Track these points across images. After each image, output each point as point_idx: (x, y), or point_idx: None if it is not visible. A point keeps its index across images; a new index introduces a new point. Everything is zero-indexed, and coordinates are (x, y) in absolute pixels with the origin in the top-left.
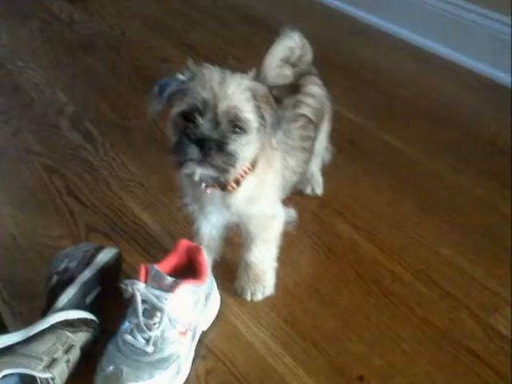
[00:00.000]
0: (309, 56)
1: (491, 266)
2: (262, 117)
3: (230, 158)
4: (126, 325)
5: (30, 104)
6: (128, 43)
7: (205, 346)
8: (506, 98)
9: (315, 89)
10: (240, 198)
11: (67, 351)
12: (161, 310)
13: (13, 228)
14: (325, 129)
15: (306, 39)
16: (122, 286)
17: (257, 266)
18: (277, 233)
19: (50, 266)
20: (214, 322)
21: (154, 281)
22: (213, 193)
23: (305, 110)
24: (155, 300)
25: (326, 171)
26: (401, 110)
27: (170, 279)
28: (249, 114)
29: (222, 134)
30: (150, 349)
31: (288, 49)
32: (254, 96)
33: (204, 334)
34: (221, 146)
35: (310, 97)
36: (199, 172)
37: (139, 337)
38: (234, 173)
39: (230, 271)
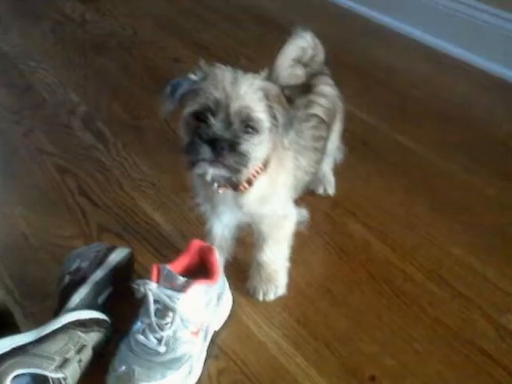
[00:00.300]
0: (321, 56)
1: (503, 265)
2: (274, 117)
3: (242, 158)
4: (138, 325)
5: (42, 104)
6: (140, 43)
7: (217, 346)
8: None
9: (327, 89)
10: (252, 197)
11: (79, 351)
12: (173, 309)
13: (25, 228)
14: (337, 129)
15: (318, 39)
16: (134, 286)
17: (269, 265)
18: (289, 233)
19: (62, 265)
20: (226, 321)
21: (166, 281)
22: (225, 193)
23: (317, 110)
24: (167, 300)
25: (338, 171)
26: (413, 110)
27: (182, 279)
28: (261, 113)
29: (234, 133)
30: (162, 349)
31: (300, 49)
32: (266, 96)
33: (216, 334)
34: (233, 146)
35: (322, 97)
36: (211, 172)
37: (151, 337)
38: (246, 173)
39: (242, 271)
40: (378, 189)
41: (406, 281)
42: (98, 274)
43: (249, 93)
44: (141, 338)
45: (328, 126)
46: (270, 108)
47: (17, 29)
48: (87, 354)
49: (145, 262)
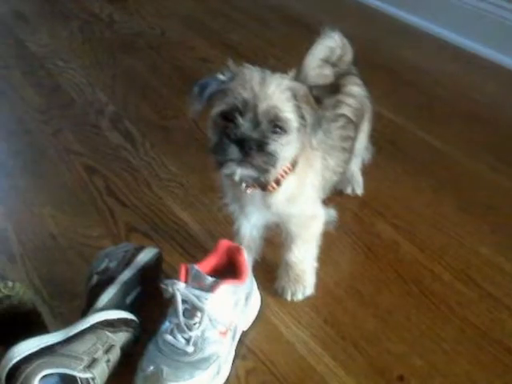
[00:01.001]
0: (349, 56)
1: None
2: (302, 117)
3: (271, 158)
4: (167, 325)
5: (71, 104)
6: (168, 43)
7: (245, 346)
8: None
9: (355, 89)
10: (280, 197)
11: (107, 351)
12: (201, 309)
13: (53, 228)
14: (365, 129)
15: (346, 39)
16: (163, 286)
17: (297, 265)
18: (317, 233)
19: (90, 265)
20: (254, 322)
21: (195, 281)
22: (253, 193)
23: (345, 110)
24: (195, 300)
25: (367, 171)
26: (441, 110)
27: (210, 279)
28: (289, 113)
29: (262, 133)
30: (190, 349)
31: (328, 49)
32: (294, 96)
33: (244, 334)
34: (261, 146)
35: (351, 97)
36: (239, 172)
37: (179, 337)
38: (275, 173)
39: (271, 271)
40: (405, 189)
41: (435, 281)
42: (126, 274)
43: (277, 93)
44: (169, 337)
45: (356, 126)
46: (298, 108)
47: (45, 29)
48: (115, 354)
49: (173, 262)
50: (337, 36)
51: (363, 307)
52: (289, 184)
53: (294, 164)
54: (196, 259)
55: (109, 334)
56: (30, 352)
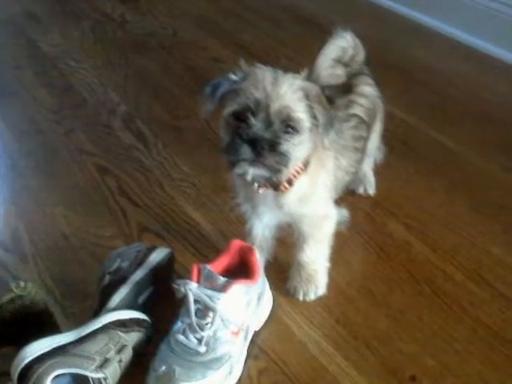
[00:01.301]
0: (361, 56)
1: None
2: (314, 117)
3: (283, 158)
4: (179, 325)
5: (83, 104)
6: (180, 43)
7: (257, 346)
8: None
9: (368, 89)
10: (292, 197)
11: (120, 351)
12: (213, 309)
13: (65, 228)
14: (377, 128)
15: (358, 39)
16: (175, 286)
17: (309, 265)
18: (329, 232)
19: (102, 265)
20: (266, 322)
21: (207, 281)
22: (265, 193)
23: (357, 110)
24: (208, 300)
25: (379, 171)
26: (453, 110)
27: (222, 279)
28: (301, 113)
29: (274, 133)
30: (202, 349)
31: (340, 49)
32: (307, 96)
33: (256, 334)
34: (273, 146)
35: (363, 97)
36: (251, 172)
37: (192, 337)
38: (287, 173)
39: (283, 271)
40: (418, 189)
41: (447, 281)
42: (139, 274)
43: (289, 93)
44: (181, 337)
45: (368, 125)
46: (310, 108)
47: (57, 29)
48: (127, 354)
49: (185, 262)
50: (349, 36)
51: (375, 307)
52: (301, 184)
53: (306, 164)
54: (208, 259)
55: (121, 333)
56: (42, 352)
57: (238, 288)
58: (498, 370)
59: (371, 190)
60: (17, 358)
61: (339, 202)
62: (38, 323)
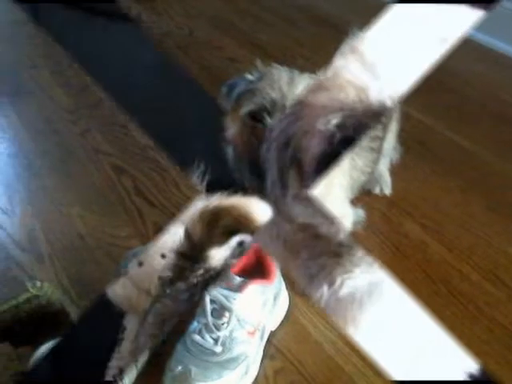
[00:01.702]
0: None
1: None
2: None
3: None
4: (195, 325)
5: (99, 104)
6: (196, 43)
7: (273, 346)
8: None
9: None
10: None
11: None
12: (229, 309)
13: (81, 228)
14: (393, 128)
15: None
16: None
17: None
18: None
19: (118, 265)
20: (282, 322)
21: (223, 281)
22: None
23: None
24: (224, 300)
25: (395, 171)
26: (469, 110)
27: (238, 279)
28: None
29: None
30: (218, 349)
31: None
32: None
33: (272, 334)
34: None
35: None
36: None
37: (208, 337)
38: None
39: None
40: (434, 189)
41: (463, 281)
42: None
43: None
44: (197, 337)
45: (384, 125)
46: None
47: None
48: (144, 354)
49: None
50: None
51: None
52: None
53: None
54: None
55: None
56: None
57: (254, 288)
58: None
59: (387, 190)
60: (33, 357)
61: (355, 201)
62: (55, 323)
